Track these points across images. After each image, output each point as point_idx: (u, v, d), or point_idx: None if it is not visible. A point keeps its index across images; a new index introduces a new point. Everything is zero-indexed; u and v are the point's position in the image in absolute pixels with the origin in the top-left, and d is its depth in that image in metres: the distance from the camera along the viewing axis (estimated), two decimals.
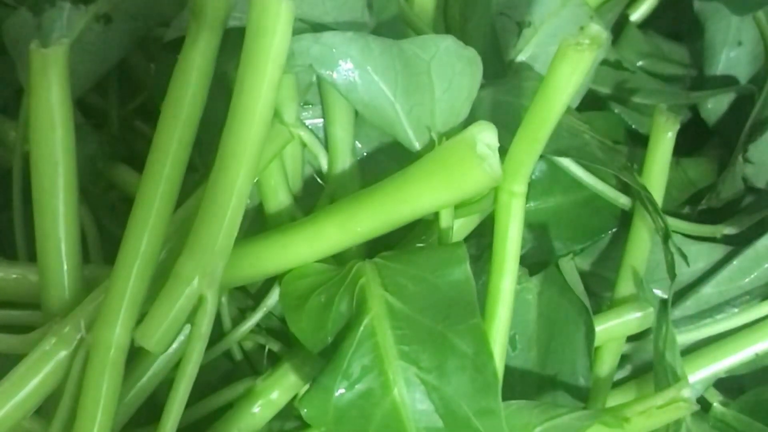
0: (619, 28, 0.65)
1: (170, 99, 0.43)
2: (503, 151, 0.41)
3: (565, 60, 0.38)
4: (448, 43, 0.45)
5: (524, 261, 0.48)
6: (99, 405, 0.40)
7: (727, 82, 0.64)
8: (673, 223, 0.54)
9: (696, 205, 0.59)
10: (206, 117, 0.43)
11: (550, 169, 0.52)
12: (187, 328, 0.43)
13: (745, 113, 0.60)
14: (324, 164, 0.49)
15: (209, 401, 0.48)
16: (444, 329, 0.40)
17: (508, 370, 0.45)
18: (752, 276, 0.54)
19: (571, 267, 0.53)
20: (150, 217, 0.42)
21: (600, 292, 0.54)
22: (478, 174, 0.41)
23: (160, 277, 0.42)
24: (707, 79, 0.64)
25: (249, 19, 0.40)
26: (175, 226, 0.44)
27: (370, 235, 0.43)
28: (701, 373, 0.52)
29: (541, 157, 0.44)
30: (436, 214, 0.45)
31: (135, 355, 0.44)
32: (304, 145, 0.49)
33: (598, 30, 0.37)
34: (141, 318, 0.41)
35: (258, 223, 0.48)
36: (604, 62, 0.61)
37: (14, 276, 0.48)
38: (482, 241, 0.49)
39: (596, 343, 0.49)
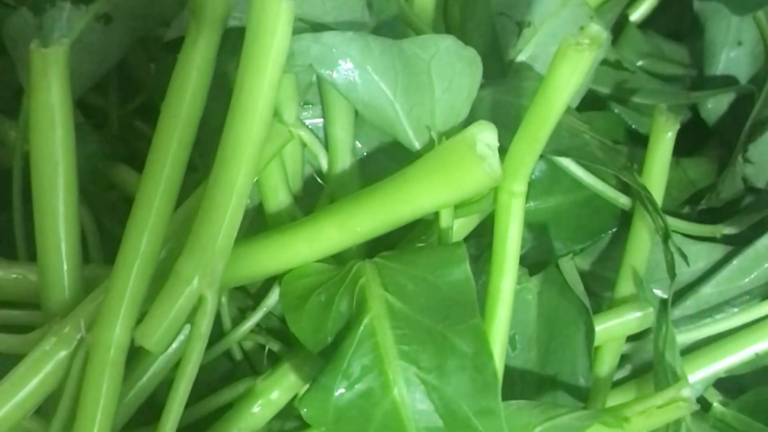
0: (619, 28, 0.65)
1: (170, 99, 0.43)
2: (503, 151, 0.41)
3: (565, 60, 0.38)
4: (448, 43, 0.45)
5: (524, 261, 0.48)
6: (99, 405, 0.40)
7: (727, 82, 0.64)
8: (673, 223, 0.54)
9: (696, 205, 0.59)
10: (206, 117, 0.43)
11: (550, 169, 0.52)
12: (187, 328, 0.43)
13: (745, 113, 0.60)
14: (324, 164, 0.49)
15: (209, 401, 0.48)
16: (444, 329, 0.40)
17: (508, 370, 0.45)
18: (752, 276, 0.54)
19: (571, 267, 0.53)
20: (150, 217, 0.42)
21: (600, 292, 0.54)
22: (478, 174, 0.41)
23: (160, 277, 0.42)
24: (707, 79, 0.64)
25: (249, 19, 0.40)
26: (175, 226, 0.44)
27: (370, 235, 0.43)
28: (701, 373, 0.52)
29: (541, 157, 0.44)
30: (436, 214, 0.45)
31: (135, 355, 0.44)
32: (304, 144, 0.49)
33: (598, 30, 0.37)
34: (141, 318, 0.41)
35: (258, 223, 0.48)
36: (604, 62, 0.61)
37: (14, 276, 0.48)
38: (482, 241, 0.49)
39: (596, 343, 0.49)
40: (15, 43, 0.51)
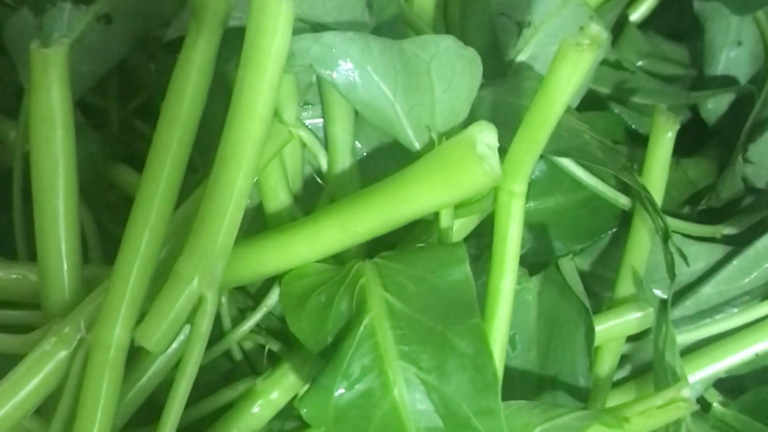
0: (619, 28, 0.65)
1: (170, 99, 0.43)
2: (503, 151, 0.41)
3: (565, 60, 0.38)
4: (448, 43, 0.45)
5: (524, 261, 0.48)
6: (99, 405, 0.40)
7: (727, 82, 0.64)
8: (673, 223, 0.54)
9: (696, 205, 0.59)
10: (206, 117, 0.43)
11: (550, 169, 0.52)
12: (187, 328, 0.43)
13: (745, 113, 0.60)
14: (324, 164, 0.49)
15: (209, 401, 0.48)
16: (444, 329, 0.40)
17: (508, 370, 0.45)
18: (752, 276, 0.54)
19: (571, 267, 0.53)
20: (150, 217, 0.42)
21: (600, 292, 0.54)
22: (478, 174, 0.40)
23: (160, 277, 0.42)
24: (707, 79, 0.64)
25: (249, 19, 0.40)
26: (175, 226, 0.44)
27: (370, 235, 0.43)
28: (701, 373, 0.52)
29: (541, 157, 0.44)
30: (436, 214, 0.45)
31: (135, 355, 0.44)
32: (304, 145, 0.49)
33: (598, 30, 0.37)
34: (141, 318, 0.41)
35: (258, 223, 0.48)
36: (604, 62, 0.61)
37: (14, 276, 0.48)
38: (482, 241, 0.49)
39: (596, 343, 0.49)
40: (15, 43, 0.51)
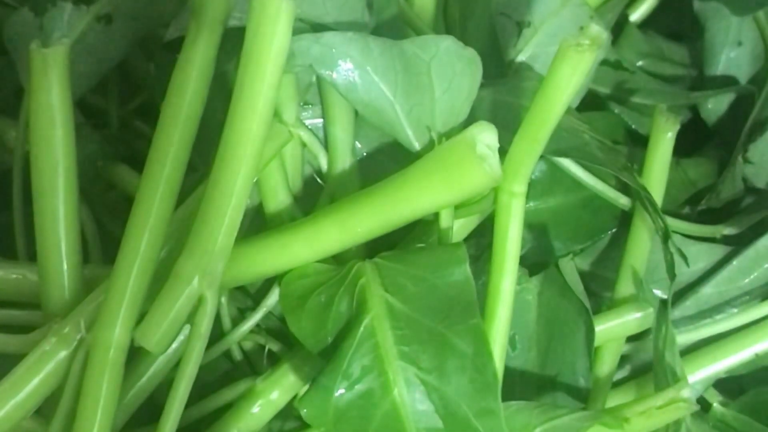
0: (619, 28, 0.65)
1: (170, 99, 0.43)
2: (503, 151, 0.41)
3: (566, 60, 0.38)
4: (448, 43, 0.45)
5: (524, 261, 0.48)
6: (99, 405, 0.40)
7: (727, 82, 0.64)
8: (673, 223, 0.54)
9: (696, 205, 0.59)
10: (206, 117, 0.43)
11: (550, 169, 0.52)
12: (187, 328, 0.43)
13: (745, 113, 0.60)
14: (324, 164, 0.49)
15: (209, 401, 0.48)
16: (444, 329, 0.40)
17: (508, 371, 0.45)
18: (752, 276, 0.54)
19: (571, 267, 0.53)
20: (150, 217, 0.42)
21: (600, 292, 0.54)
22: (478, 174, 0.40)
23: (160, 277, 0.42)
24: (707, 79, 0.64)
25: (249, 19, 0.40)
26: (175, 226, 0.44)
27: (369, 235, 0.43)
28: (701, 373, 0.52)
29: (541, 157, 0.44)
30: (436, 215, 0.45)
31: (135, 355, 0.44)
32: (304, 145, 0.49)
33: (599, 30, 0.37)
34: (141, 318, 0.41)
35: (258, 223, 0.48)
36: (604, 62, 0.61)
37: (14, 276, 0.48)
38: (482, 241, 0.49)
39: (596, 343, 0.49)
40: (15, 43, 0.51)
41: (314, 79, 0.49)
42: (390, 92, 0.45)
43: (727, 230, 0.57)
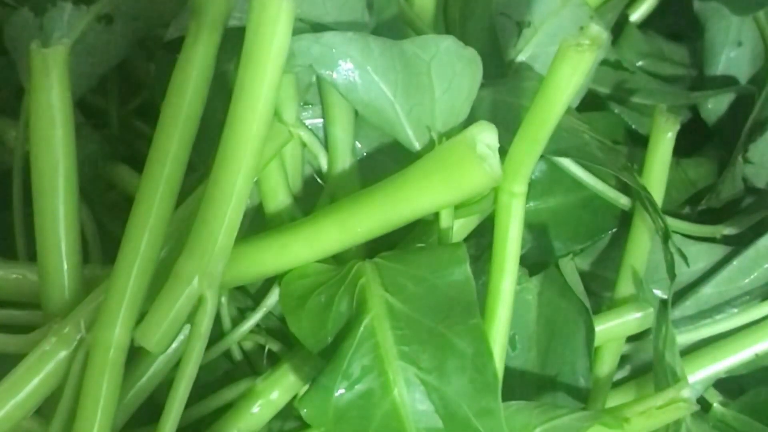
0: (619, 28, 0.65)
1: (170, 99, 0.43)
2: (503, 151, 0.41)
3: (566, 60, 0.38)
4: (448, 43, 0.45)
5: (524, 261, 0.48)
6: (99, 405, 0.40)
7: (727, 82, 0.64)
8: (673, 223, 0.54)
9: (696, 205, 0.59)
10: (206, 117, 0.43)
11: (550, 169, 0.52)
12: (187, 328, 0.43)
13: (745, 113, 0.60)
14: (324, 164, 0.49)
15: (209, 401, 0.48)
16: (444, 329, 0.40)
17: (508, 371, 0.45)
18: (752, 276, 0.54)
19: (571, 267, 0.53)
20: (150, 217, 0.42)
21: (600, 292, 0.54)
22: (478, 174, 0.41)
23: (160, 277, 0.42)
24: (707, 79, 0.64)
25: (249, 19, 0.40)
26: (175, 226, 0.44)
27: (369, 235, 0.43)
28: (701, 373, 0.52)
29: (541, 157, 0.44)
30: (436, 215, 0.45)
31: (135, 355, 0.44)
32: (304, 145, 0.49)
33: (599, 30, 0.37)
34: (141, 318, 0.41)
35: (258, 223, 0.48)
36: (604, 62, 0.61)
37: (14, 276, 0.48)
38: (482, 241, 0.49)
39: (596, 343, 0.49)
40: (15, 43, 0.51)
41: (314, 79, 0.49)
42: (390, 92, 0.45)
43: (727, 230, 0.57)
